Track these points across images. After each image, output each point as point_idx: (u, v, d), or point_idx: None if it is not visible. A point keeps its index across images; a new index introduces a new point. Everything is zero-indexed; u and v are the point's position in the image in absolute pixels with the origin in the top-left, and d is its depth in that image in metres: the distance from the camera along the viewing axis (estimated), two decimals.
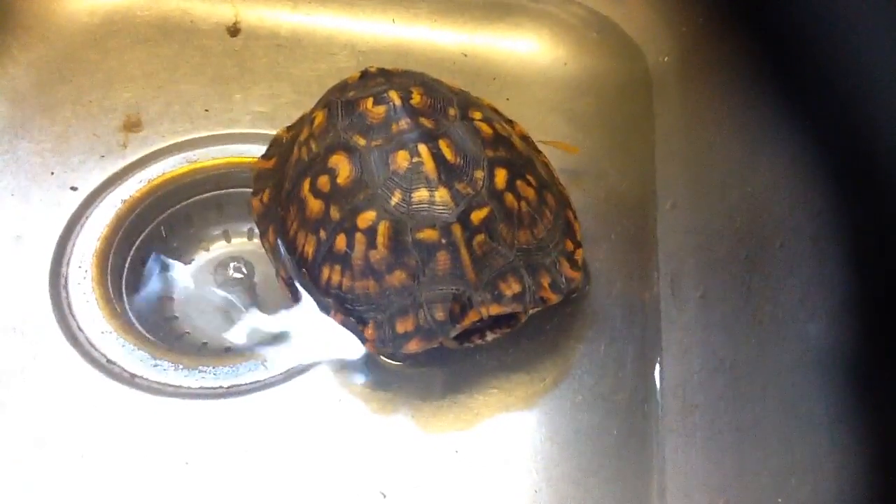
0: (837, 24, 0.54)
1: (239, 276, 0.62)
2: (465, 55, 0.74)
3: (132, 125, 0.66)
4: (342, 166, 0.53)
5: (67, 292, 0.58)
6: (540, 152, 0.62)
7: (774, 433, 0.48)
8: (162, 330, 0.60)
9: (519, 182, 0.54)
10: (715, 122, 0.65)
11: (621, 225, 0.64)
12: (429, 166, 0.52)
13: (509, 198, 0.53)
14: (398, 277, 0.52)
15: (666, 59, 0.72)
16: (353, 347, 0.55)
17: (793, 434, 0.46)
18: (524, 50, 0.74)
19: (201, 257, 0.66)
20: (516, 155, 0.57)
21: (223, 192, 0.66)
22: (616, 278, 0.61)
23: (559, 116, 0.70)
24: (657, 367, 0.57)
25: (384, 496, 0.52)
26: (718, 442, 0.51)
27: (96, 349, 0.56)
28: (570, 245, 0.56)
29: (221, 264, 0.62)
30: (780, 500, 0.45)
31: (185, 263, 0.65)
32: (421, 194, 0.51)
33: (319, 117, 0.57)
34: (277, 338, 0.58)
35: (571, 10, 0.76)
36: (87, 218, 0.61)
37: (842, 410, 0.43)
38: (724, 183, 0.60)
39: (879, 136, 0.48)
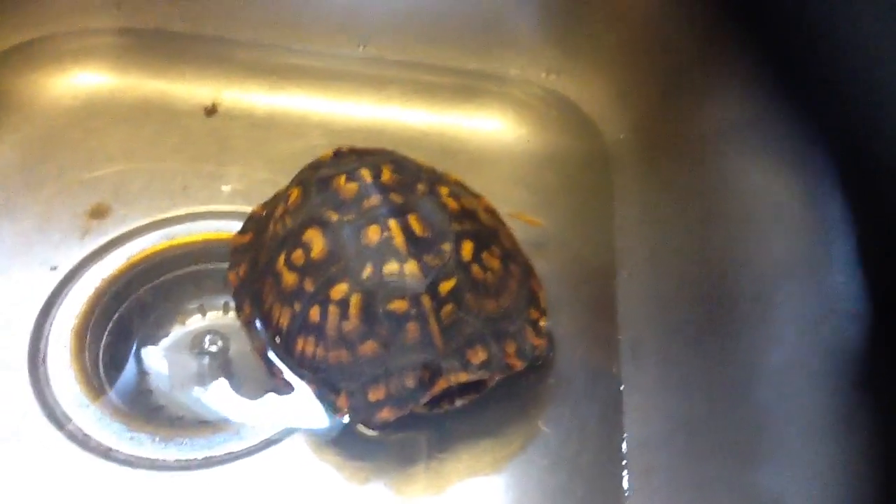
0: (779, 107, 0.58)
1: (214, 349, 0.63)
2: (433, 133, 0.77)
3: (99, 213, 0.68)
4: (316, 241, 0.56)
5: (46, 366, 0.59)
6: (505, 224, 0.65)
7: (728, 487, 0.50)
8: (139, 403, 0.61)
9: (485, 254, 0.57)
10: (668, 194, 0.69)
11: (583, 293, 0.66)
12: (398, 240, 0.54)
13: (475, 269, 0.56)
14: (370, 347, 0.53)
15: (622, 136, 0.77)
16: (326, 417, 0.56)
17: (745, 488, 0.48)
18: (489, 128, 0.78)
19: (178, 331, 0.67)
20: (482, 228, 0.59)
21: (200, 267, 0.68)
22: (579, 344, 0.63)
23: (523, 190, 0.73)
24: (619, 429, 0.59)
25: None
26: (679, 499, 0.53)
27: (73, 423, 0.56)
28: (534, 313, 0.59)
29: (197, 338, 0.64)
30: None
31: (162, 337, 0.67)
32: (391, 267, 0.54)
33: (294, 194, 0.60)
34: (252, 409, 0.59)
35: (533, 92, 0.81)
36: (66, 294, 0.63)
37: (786, 463, 0.46)
38: (677, 253, 0.63)
39: (822, 208, 0.52)
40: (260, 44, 0.82)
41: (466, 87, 0.80)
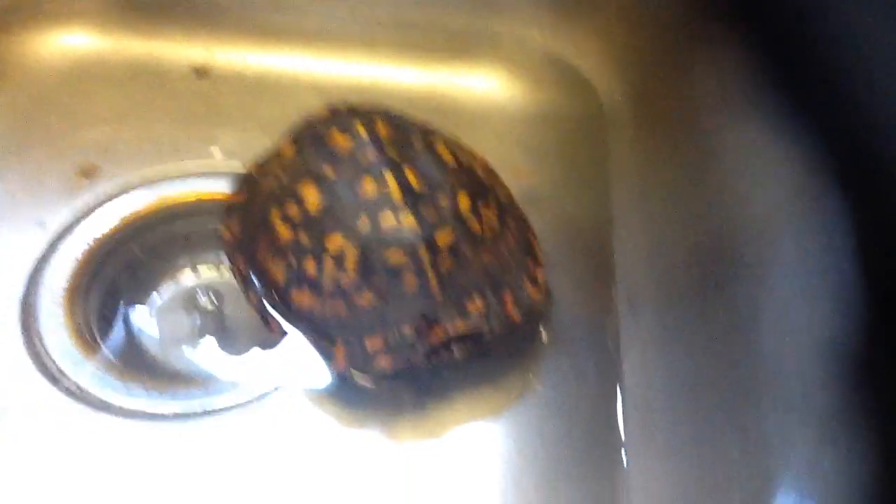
0: (773, 64, 0.58)
1: (208, 305, 0.63)
2: (426, 92, 0.77)
3: (89, 172, 0.67)
4: (311, 195, 0.55)
5: (38, 323, 0.58)
6: (500, 180, 0.65)
7: (725, 434, 0.50)
8: (132, 359, 0.61)
9: (481, 207, 0.57)
10: (663, 154, 0.69)
11: (580, 249, 0.66)
12: (395, 193, 0.54)
13: (472, 221, 0.55)
14: (367, 299, 0.53)
15: (618, 96, 0.76)
16: (323, 368, 0.56)
17: (741, 435, 0.49)
18: (483, 87, 0.78)
19: (170, 288, 0.66)
20: (478, 182, 0.59)
21: (192, 226, 0.67)
22: (576, 299, 0.63)
23: (517, 149, 0.73)
24: (618, 379, 0.59)
25: None
26: (676, 445, 0.54)
27: (69, 378, 0.56)
28: (531, 266, 0.59)
29: (190, 294, 0.63)
30: (735, 494, 0.48)
31: (155, 295, 0.66)
32: (388, 219, 0.53)
33: (288, 151, 0.59)
34: (248, 362, 0.59)
35: (528, 52, 0.80)
36: (57, 252, 0.62)
37: (786, 417, 0.46)
38: (672, 209, 0.64)
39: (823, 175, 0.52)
40: (249, 4, 0.81)
41: (459, 46, 0.79)
